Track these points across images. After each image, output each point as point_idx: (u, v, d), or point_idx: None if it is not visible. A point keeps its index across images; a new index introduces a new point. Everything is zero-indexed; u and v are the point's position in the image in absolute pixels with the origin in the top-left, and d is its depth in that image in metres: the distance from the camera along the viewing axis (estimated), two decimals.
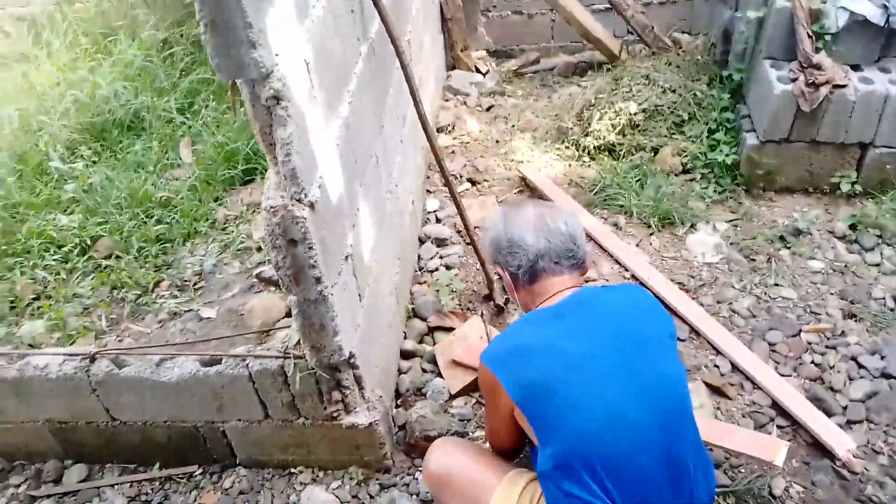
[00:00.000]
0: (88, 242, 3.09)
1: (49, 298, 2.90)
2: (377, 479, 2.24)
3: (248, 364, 2.05)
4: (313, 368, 1.96)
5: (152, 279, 2.96)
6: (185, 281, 2.96)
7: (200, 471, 2.35)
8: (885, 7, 2.85)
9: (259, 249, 3.08)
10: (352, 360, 1.99)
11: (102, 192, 3.23)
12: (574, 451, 1.47)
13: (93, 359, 2.14)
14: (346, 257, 1.95)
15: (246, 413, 2.16)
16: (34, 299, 2.90)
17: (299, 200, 1.60)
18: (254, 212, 3.26)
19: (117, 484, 2.34)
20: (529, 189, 3.35)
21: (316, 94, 1.70)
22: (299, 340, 1.94)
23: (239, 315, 2.76)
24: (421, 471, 2.26)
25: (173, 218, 3.18)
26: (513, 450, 1.82)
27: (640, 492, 1.48)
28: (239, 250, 3.08)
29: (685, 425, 1.56)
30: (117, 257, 3.04)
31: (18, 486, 2.39)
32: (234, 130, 3.48)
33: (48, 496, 2.34)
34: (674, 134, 3.38)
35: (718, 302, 2.69)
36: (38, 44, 4.32)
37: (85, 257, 3.05)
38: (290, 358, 2.00)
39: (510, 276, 1.74)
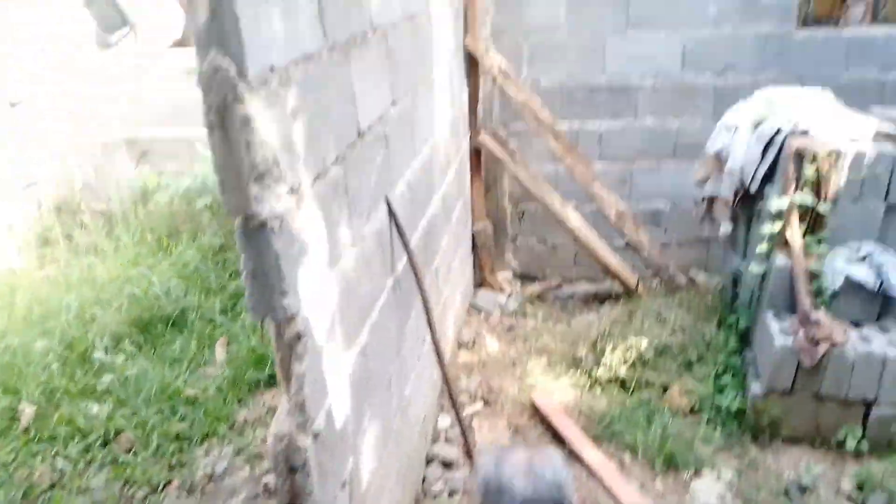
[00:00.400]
0: (111, 435, 3.23)
1: (63, 489, 2.99)
2: None
3: None
4: None
5: (164, 478, 3.05)
6: (195, 484, 3.04)
7: None
8: (878, 273, 3.05)
9: None
10: None
11: (135, 386, 3.42)
12: None
13: None
14: (344, 484, 2.04)
15: None
16: (50, 487, 3.00)
17: (304, 430, 1.74)
18: (273, 416, 3.38)
19: None
20: (540, 416, 3.42)
21: (336, 329, 1.91)
22: None
23: None
24: None
25: (196, 416, 3.32)
26: None
27: None
28: (252, 456, 3.17)
29: None
30: (135, 453, 3.15)
31: None
32: (268, 336, 3.72)
33: None
34: (683, 373, 3.48)
35: None
36: (110, 237, 4.80)
37: (105, 449, 3.18)
38: None
39: None
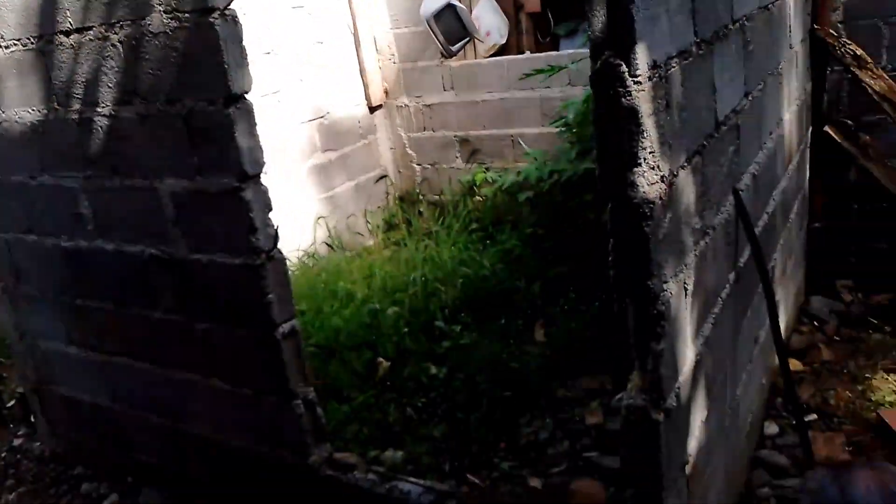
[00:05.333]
0: (449, 393, 3.65)
1: (410, 434, 3.47)
2: None
3: None
4: None
5: (493, 438, 3.36)
6: (520, 447, 3.30)
7: None
8: None
9: (589, 434, 3.32)
10: None
11: (468, 353, 3.82)
12: None
13: (444, 498, 2.53)
14: (683, 465, 2.07)
15: None
16: (399, 431, 3.49)
17: (657, 406, 1.82)
18: (591, 398, 3.53)
19: None
20: (888, 435, 3.06)
21: (687, 316, 1.95)
22: None
23: (561, 493, 2.98)
24: None
25: (520, 388, 3.60)
26: None
27: None
28: (571, 430, 3.35)
29: None
30: (469, 412, 3.52)
31: None
32: (585, 321, 3.88)
33: None
34: None
35: None
36: (443, 225, 5.39)
37: (444, 405, 3.60)
38: None
39: None
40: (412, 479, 2.70)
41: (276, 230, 2.55)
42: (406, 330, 4.08)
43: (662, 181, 1.75)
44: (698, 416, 2.17)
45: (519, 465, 3.22)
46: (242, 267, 2.56)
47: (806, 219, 4.17)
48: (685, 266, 1.94)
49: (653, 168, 1.70)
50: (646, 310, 1.76)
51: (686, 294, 1.96)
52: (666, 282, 1.80)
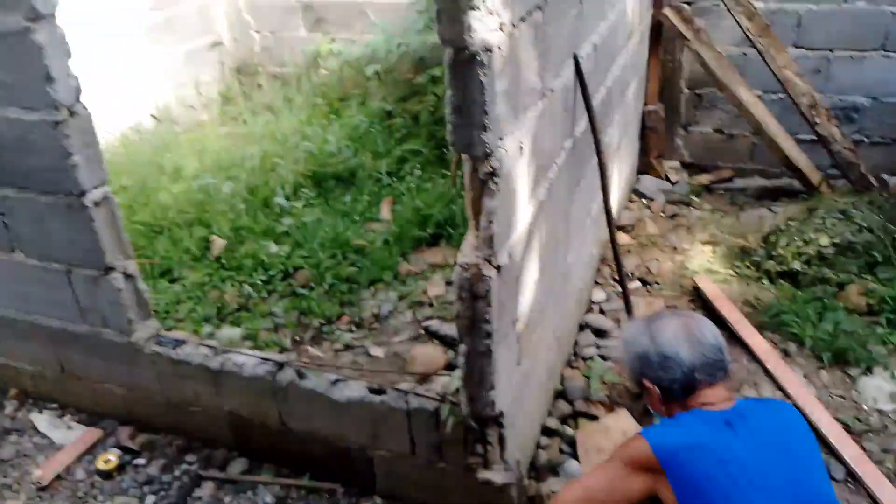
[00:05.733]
0: (290, 271, 3.54)
1: (248, 311, 3.35)
2: None
3: (407, 400, 2.27)
4: (465, 417, 2.13)
5: (336, 312, 3.32)
6: (363, 320, 3.30)
7: (342, 490, 2.56)
8: None
9: (431, 305, 3.37)
10: (500, 419, 2.13)
11: (311, 231, 3.69)
12: None
13: (281, 366, 2.47)
14: (515, 322, 2.13)
15: (395, 445, 2.36)
16: (237, 309, 3.36)
17: (489, 262, 1.82)
18: (433, 271, 3.56)
19: (270, 483, 2.61)
20: (701, 300, 3.36)
21: (523, 175, 1.94)
22: (458, 388, 2.12)
23: (403, 359, 3.03)
24: None
25: (364, 264, 3.55)
26: None
27: None
28: (413, 302, 3.38)
29: None
30: (311, 288, 3.45)
31: (192, 463, 2.74)
32: (431, 198, 3.85)
33: (212, 479, 2.66)
34: (864, 273, 3.26)
35: (884, 451, 2.53)
36: (285, 99, 5.06)
37: (285, 283, 3.50)
38: (445, 403, 2.19)
39: (660, 390, 1.72)
40: (247, 351, 2.60)
41: (78, 82, 2.23)
42: (243, 206, 3.86)
43: (501, 29, 1.67)
44: (530, 276, 2.22)
45: (362, 337, 3.22)
46: (41, 124, 2.23)
47: (642, 100, 4.32)
48: (522, 125, 1.91)
49: (492, 14, 1.60)
50: (480, 166, 1.72)
51: (522, 154, 1.93)
52: (502, 138, 1.75)
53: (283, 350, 3.09)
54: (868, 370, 2.88)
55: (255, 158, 4.16)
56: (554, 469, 2.58)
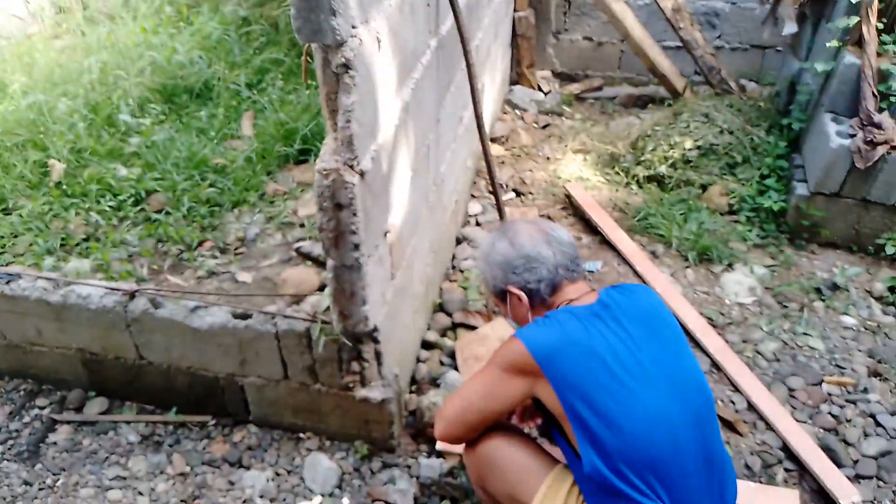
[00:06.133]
0: (143, 195, 3.22)
1: (98, 241, 3.03)
2: (381, 457, 2.29)
3: (276, 322, 2.13)
4: (337, 335, 2.02)
5: (196, 238, 3.06)
6: (227, 244, 3.06)
7: (213, 422, 2.42)
8: None
9: (302, 226, 3.17)
10: (375, 334, 2.05)
11: (163, 150, 3.36)
12: (623, 454, 1.46)
13: (132, 296, 2.25)
14: (385, 233, 2.01)
15: (266, 371, 2.23)
16: (84, 240, 3.03)
17: (351, 167, 1.67)
18: (302, 190, 3.36)
19: (133, 421, 2.43)
20: (573, 207, 3.38)
21: (383, 71, 1.78)
22: (329, 307, 2.00)
23: (273, 283, 2.85)
24: (425, 456, 2.31)
25: (225, 185, 3.29)
26: (463, 438, 1.76)
27: (685, 492, 1.50)
28: (283, 224, 3.17)
29: (714, 422, 1.60)
30: (167, 213, 3.15)
31: (43, 408, 2.49)
32: (296, 111, 3.60)
33: (69, 422, 2.44)
34: (725, 174, 3.39)
35: (744, 341, 2.69)
36: (127, 6, 4.53)
37: (137, 208, 3.18)
38: (316, 322, 2.07)
39: (527, 294, 1.69)
40: (92, 282, 2.34)
41: None
42: (83, 126, 3.45)
43: None
44: (400, 185, 2.10)
45: (227, 262, 3.00)
46: None
47: (512, 5, 4.20)
48: (378, 13, 1.73)
49: None
50: (331, 57, 1.54)
51: (380, 47, 1.76)
52: (355, 26, 1.57)
53: (139, 281, 2.83)
54: (729, 266, 3.02)
55: (93, 72, 3.70)
56: (434, 381, 2.55)
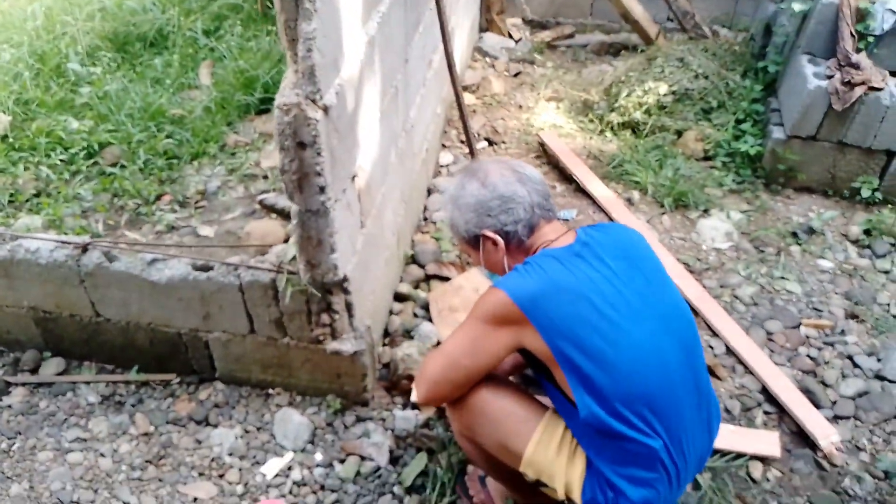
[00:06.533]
0: (96, 148, 3.05)
1: (49, 196, 2.87)
2: (354, 411, 2.22)
3: (239, 274, 2.02)
4: (305, 286, 1.92)
5: (154, 192, 2.92)
6: (187, 198, 2.93)
7: (178, 380, 2.32)
8: None
9: (265, 178, 3.04)
10: (345, 284, 1.96)
11: (116, 101, 3.18)
12: (619, 392, 1.42)
13: (85, 249, 2.12)
14: (353, 177, 1.91)
15: (231, 325, 2.13)
16: (34, 195, 2.87)
17: (314, 101, 1.56)
18: (265, 141, 3.22)
19: (93, 381, 2.32)
20: (547, 155, 3.30)
21: (347, 2, 1.65)
22: (295, 256, 1.90)
23: (236, 237, 2.73)
24: (400, 408, 2.24)
25: (183, 136, 3.13)
26: (449, 398, 1.65)
27: (679, 421, 1.48)
28: (245, 176, 3.04)
29: (700, 348, 1.58)
30: (122, 166, 3.00)
31: None
32: (257, 58, 3.43)
33: (24, 384, 2.32)
34: (700, 119, 3.33)
35: (722, 286, 2.66)
36: None
37: (90, 162, 3.02)
38: (283, 272, 1.97)
39: (503, 237, 1.58)
40: (40, 235, 2.21)
41: None
42: (29, 76, 3.25)
43: None
44: (367, 125, 1.98)
45: (188, 216, 2.87)
46: None
47: None
48: None
49: None
50: None
51: None
52: None
53: (95, 236, 2.69)
54: (706, 212, 2.98)
55: (37, 17, 3.48)
56: (408, 333, 2.48)
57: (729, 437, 2.08)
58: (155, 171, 3.01)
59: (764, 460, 2.06)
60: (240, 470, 2.11)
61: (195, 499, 2.04)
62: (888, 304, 2.58)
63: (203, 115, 3.22)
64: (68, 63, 3.32)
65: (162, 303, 2.12)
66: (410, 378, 2.22)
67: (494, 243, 1.59)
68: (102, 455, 2.14)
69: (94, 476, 2.09)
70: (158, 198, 2.92)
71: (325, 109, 1.59)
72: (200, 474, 2.10)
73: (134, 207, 2.87)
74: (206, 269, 2.06)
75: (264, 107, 3.36)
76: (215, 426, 2.21)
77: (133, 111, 3.17)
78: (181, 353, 2.26)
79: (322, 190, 1.68)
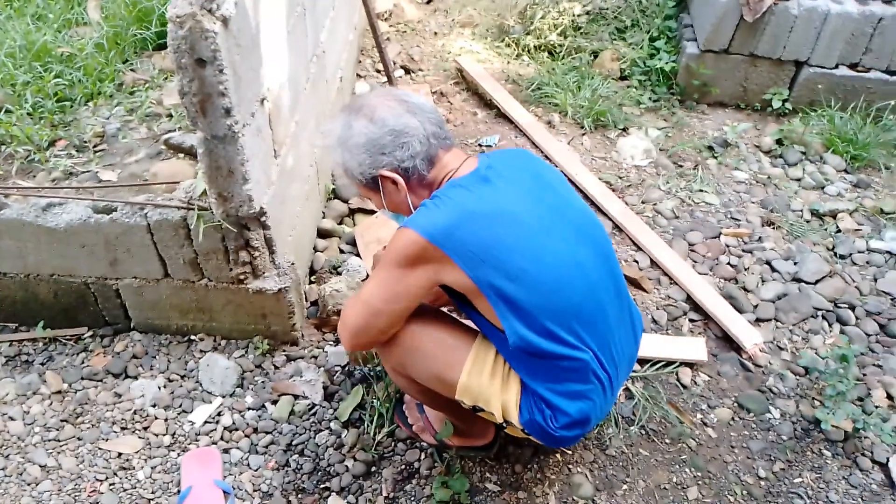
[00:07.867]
0: None
1: None
2: (284, 351, 2.15)
3: (146, 213, 1.89)
4: (219, 221, 1.81)
5: (47, 137, 2.69)
6: (85, 142, 2.71)
7: (90, 333, 2.18)
8: None
9: (170, 116, 2.85)
10: (263, 218, 1.86)
11: None
12: (546, 309, 1.40)
13: None
14: (262, 101, 1.79)
15: (143, 270, 2.00)
16: None
17: (210, 12, 1.42)
18: (166, 77, 3.00)
19: None
20: (466, 81, 3.22)
21: None
22: (205, 190, 1.78)
23: (143, 180, 2.56)
24: (332, 344, 2.18)
25: (75, 76, 2.88)
26: (375, 343, 1.61)
27: (606, 328, 1.49)
28: (147, 115, 2.84)
29: (613, 253, 1.59)
30: (7, 111, 2.74)
31: None
32: None
33: None
34: (615, 39, 3.31)
35: (643, 202, 2.69)
36: None
37: None
38: (193, 208, 1.85)
39: (403, 175, 1.48)
40: None
41: None
42: None
43: None
44: (273, 42, 1.85)
45: (86, 161, 2.66)
46: None
47: None
48: None
49: None
50: None
51: None
52: None
53: None
54: (624, 131, 2.99)
55: None
56: (336, 269, 2.40)
57: (658, 345, 2.12)
58: (46, 115, 2.77)
59: (692, 366, 2.12)
60: (165, 420, 2.01)
61: (119, 454, 1.94)
62: (801, 210, 2.68)
63: (95, 53, 2.96)
64: None
65: (62, 251, 1.96)
66: (340, 314, 2.15)
67: (394, 182, 1.49)
68: (12, 418, 1.99)
69: (4, 441, 1.95)
70: (53, 143, 2.69)
71: (225, 21, 1.46)
72: (123, 429, 1.99)
73: (25, 155, 2.64)
74: (108, 210, 1.92)
75: (162, 41, 3.12)
76: (135, 378, 2.09)
77: (14, 50, 2.89)
78: (90, 304, 2.11)
79: (228, 112, 1.56)
